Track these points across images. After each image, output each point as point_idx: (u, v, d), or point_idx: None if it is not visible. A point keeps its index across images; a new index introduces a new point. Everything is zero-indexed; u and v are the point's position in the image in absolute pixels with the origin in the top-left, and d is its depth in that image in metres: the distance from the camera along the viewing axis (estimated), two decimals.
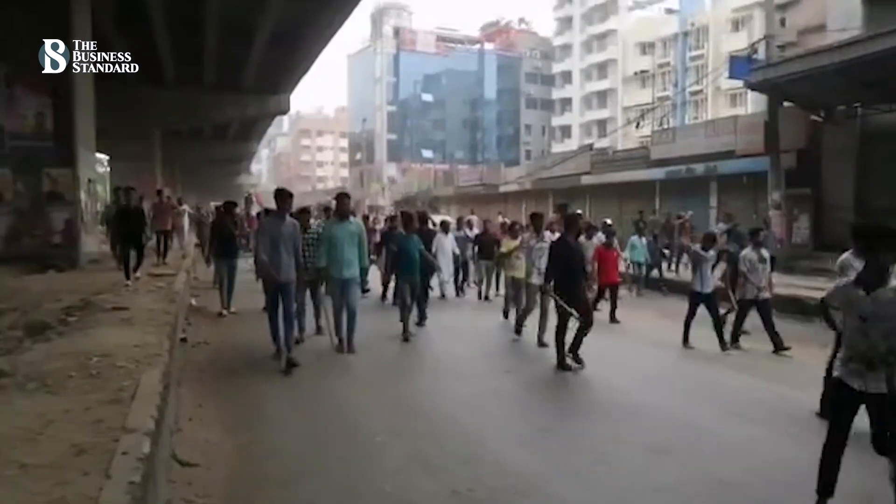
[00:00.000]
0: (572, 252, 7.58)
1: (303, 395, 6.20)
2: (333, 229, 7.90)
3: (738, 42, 37.73)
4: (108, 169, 32.11)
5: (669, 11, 57.83)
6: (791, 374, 7.45)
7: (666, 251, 17.09)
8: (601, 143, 41.71)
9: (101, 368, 4.81)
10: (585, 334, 7.41)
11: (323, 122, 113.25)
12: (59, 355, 5.17)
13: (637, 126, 28.57)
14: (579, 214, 10.07)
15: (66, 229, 12.11)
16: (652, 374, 7.48)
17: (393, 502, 3.99)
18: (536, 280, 8.60)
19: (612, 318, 10.76)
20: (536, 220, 9.29)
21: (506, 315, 10.36)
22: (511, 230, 10.66)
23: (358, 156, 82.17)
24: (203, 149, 36.67)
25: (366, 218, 17.45)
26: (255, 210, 17.87)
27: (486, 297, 12.86)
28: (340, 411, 5.75)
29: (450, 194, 45.00)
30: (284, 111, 29.99)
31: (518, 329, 9.11)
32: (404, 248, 9.24)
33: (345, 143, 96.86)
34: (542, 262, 8.39)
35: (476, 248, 13.13)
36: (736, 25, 49.60)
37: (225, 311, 10.41)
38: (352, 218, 8.26)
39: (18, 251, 11.70)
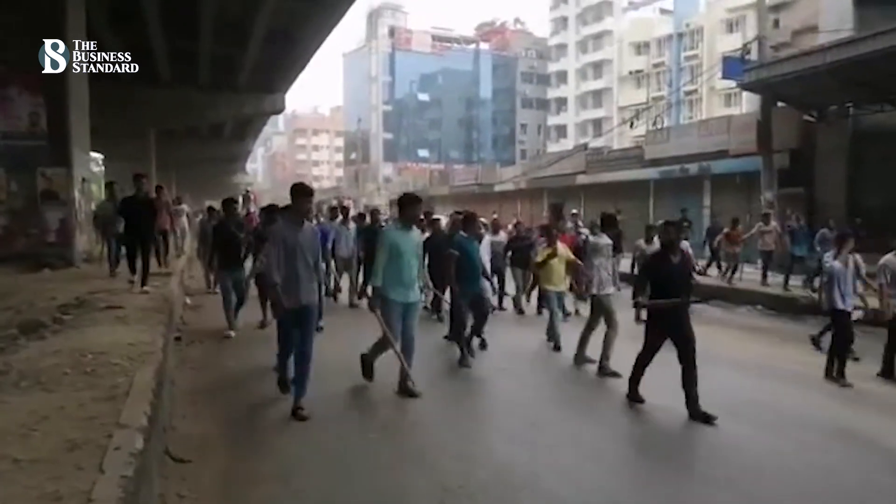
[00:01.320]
0: (674, 271, 5.96)
1: None
2: (396, 238, 6.06)
3: (733, 43, 37.86)
4: (103, 168, 32.09)
5: (664, 12, 58.02)
6: None
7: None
8: (596, 143, 41.74)
9: (95, 366, 4.84)
10: (693, 377, 5.70)
11: (318, 122, 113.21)
12: (54, 353, 5.21)
13: (632, 126, 28.50)
14: (613, 215, 8.35)
15: (61, 228, 12.11)
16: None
17: (385, 498, 4.03)
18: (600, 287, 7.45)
19: None
20: (610, 224, 7.91)
21: (557, 346, 8.41)
22: (548, 234, 9.18)
23: (353, 155, 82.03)
24: (198, 148, 36.55)
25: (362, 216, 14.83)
26: (253, 208, 17.50)
27: (521, 311, 11.25)
28: (334, 408, 5.79)
29: (445, 194, 45.01)
30: (280, 110, 29.94)
31: (577, 356, 7.53)
32: (468, 254, 7.59)
33: (340, 142, 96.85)
34: (600, 261, 7.49)
35: (509, 255, 11.51)
36: (730, 26, 49.78)
37: (232, 333, 8.65)
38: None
39: (13, 250, 11.71)
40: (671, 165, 24.42)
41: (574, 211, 16.58)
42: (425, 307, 10.45)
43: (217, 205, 12.84)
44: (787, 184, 18.62)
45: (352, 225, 11.86)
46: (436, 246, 8.99)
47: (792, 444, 5.17)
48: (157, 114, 24.29)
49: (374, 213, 12.13)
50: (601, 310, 7.41)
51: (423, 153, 75.01)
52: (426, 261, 9.45)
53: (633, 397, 6.08)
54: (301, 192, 5.57)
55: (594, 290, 7.48)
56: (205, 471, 4.31)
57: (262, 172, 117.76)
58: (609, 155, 31.74)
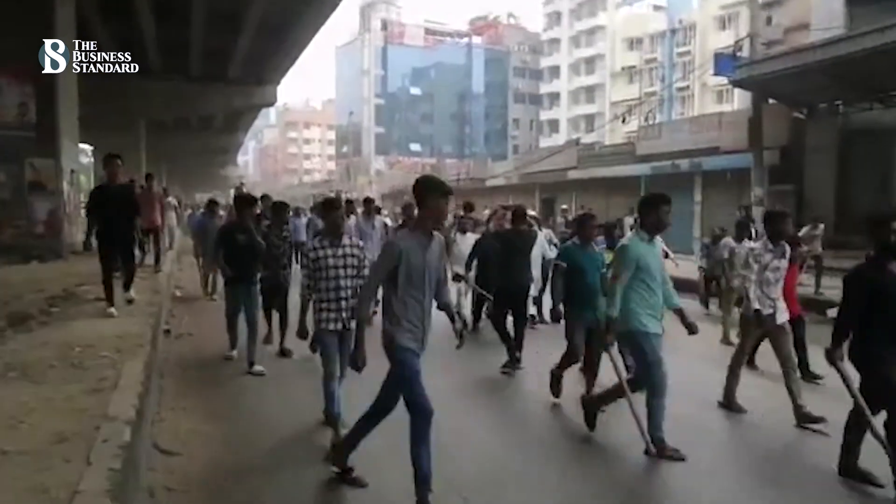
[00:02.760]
0: None
1: (286, 387, 6.23)
2: (643, 251, 4.72)
3: (726, 39, 37.89)
4: (93, 160, 31.86)
5: (657, 8, 58.08)
6: None
7: None
8: (588, 138, 41.87)
9: (83, 358, 4.84)
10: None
11: (310, 115, 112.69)
12: (41, 345, 5.19)
13: (623, 121, 28.66)
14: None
15: (49, 220, 12.04)
16: None
17: (372, 493, 4.04)
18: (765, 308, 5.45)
19: (807, 374, 6.57)
20: (777, 223, 5.65)
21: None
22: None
23: (345, 148, 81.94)
24: (189, 140, 36.37)
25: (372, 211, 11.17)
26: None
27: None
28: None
29: None
30: (271, 103, 29.84)
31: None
32: (582, 270, 5.73)
33: (332, 135, 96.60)
34: (770, 287, 5.49)
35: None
36: (723, 23, 49.93)
37: (234, 353, 7.03)
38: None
39: (0, 241, 11.63)
40: (662, 161, 24.51)
41: (564, 206, 16.63)
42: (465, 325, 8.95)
43: (220, 198, 12.18)
44: (776, 180, 18.74)
45: (377, 222, 10.19)
46: (485, 249, 7.81)
47: None
48: (148, 105, 24.14)
49: (408, 208, 10.23)
50: (752, 336, 5.68)
51: (414, 147, 74.95)
52: (474, 267, 8.12)
53: (855, 474, 4.22)
54: (436, 188, 3.74)
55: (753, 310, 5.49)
56: (193, 463, 4.30)
57: (253, 165, 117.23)
58: (601, 150, 31.85)
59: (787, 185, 19.09)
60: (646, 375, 4.69)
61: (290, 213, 9.78)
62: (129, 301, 7.17)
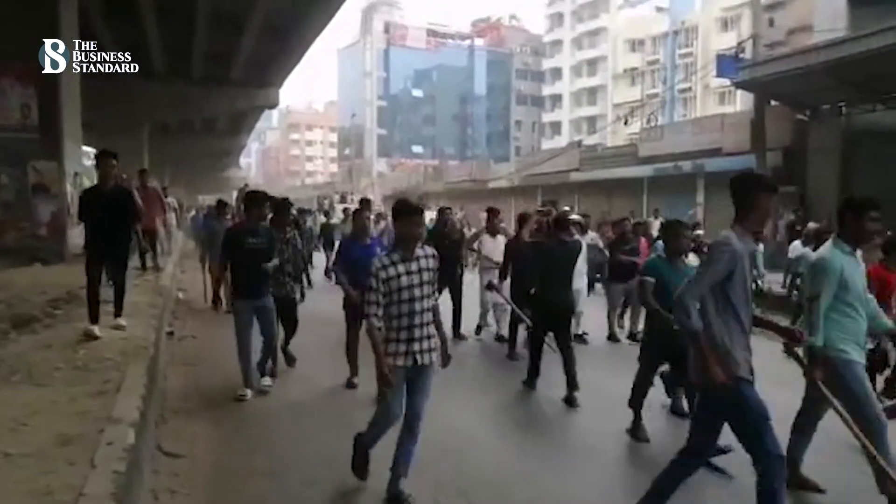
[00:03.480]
0: None
1: (290, 389, 6.23)
2: (846, 265, 3.76)
3: (728, 41, 37.93)
4: (96, 162, 31.90)
5: (659, 10, 58.09)
6: None
7: None
8: (590, 140, 41.89)
9: (87, 361, 4.84)
10: None
11: (312, 117, 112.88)
12: (45, 347, 5.20)
13: (626, 123, 28.68)
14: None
15: (52, 222, 12.05)
16: None
17: (377, 494, 4.03)
18: None
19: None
20: None
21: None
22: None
23: (347, 150, 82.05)
24: (191, 142, 36.40)
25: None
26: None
27: (633, 336, 8.43)
28: (327, 405, 5.79)
29: (439, 190, 45.03)
30: (273, 105, 29.87)
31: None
32: (668, 286, 4.78)
33: (334, 137, 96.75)
34: None
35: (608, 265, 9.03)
36: (725, 24, 49.91)
37: (248, 392, 5.83)
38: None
39: (4, 244, 11.64)
40: (665, 163, 24.51)
41: (566, 208, 16.57)
42: (498, 336, 8.52)
43: (228, 199, 11.98)
44: (779, 182, 18.46)
45: None
46: (520, 259, 7.30)
47: None
48: (151, 107, 24.17)
49: (443, 211, 9.22)
50: None
51: (417, 149, 75.08)
52: (509, 274, 7.47)
53: None
54: (768, 185, 3.32)
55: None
56: (196, 466, 4.31)
57: (255, 167, 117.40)
58: (603, 152, 31.85)
59: (790, 187, 19.04)
60: (857, 412, 3.61)
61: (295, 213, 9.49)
62: (119, 328, 6.03)
